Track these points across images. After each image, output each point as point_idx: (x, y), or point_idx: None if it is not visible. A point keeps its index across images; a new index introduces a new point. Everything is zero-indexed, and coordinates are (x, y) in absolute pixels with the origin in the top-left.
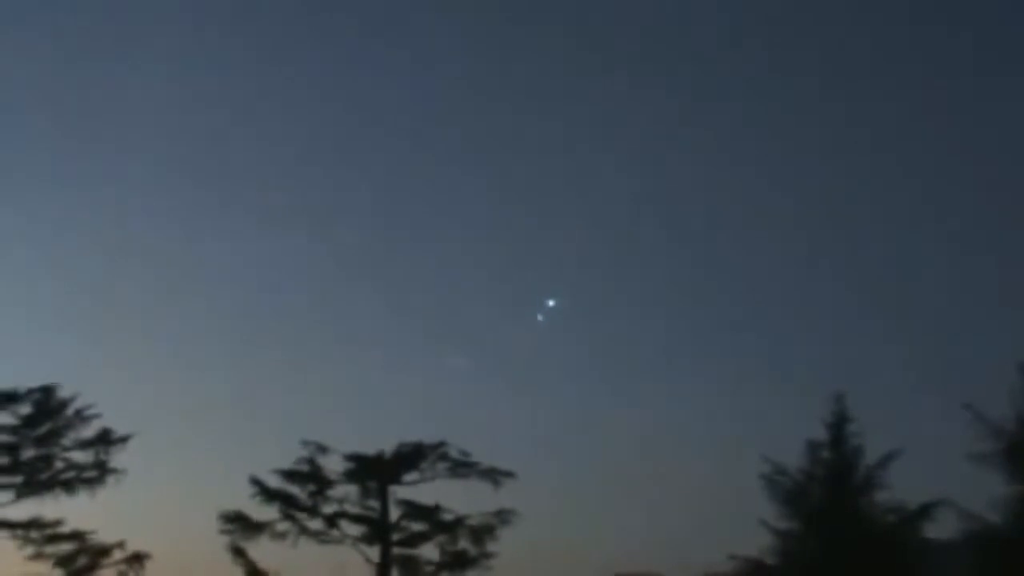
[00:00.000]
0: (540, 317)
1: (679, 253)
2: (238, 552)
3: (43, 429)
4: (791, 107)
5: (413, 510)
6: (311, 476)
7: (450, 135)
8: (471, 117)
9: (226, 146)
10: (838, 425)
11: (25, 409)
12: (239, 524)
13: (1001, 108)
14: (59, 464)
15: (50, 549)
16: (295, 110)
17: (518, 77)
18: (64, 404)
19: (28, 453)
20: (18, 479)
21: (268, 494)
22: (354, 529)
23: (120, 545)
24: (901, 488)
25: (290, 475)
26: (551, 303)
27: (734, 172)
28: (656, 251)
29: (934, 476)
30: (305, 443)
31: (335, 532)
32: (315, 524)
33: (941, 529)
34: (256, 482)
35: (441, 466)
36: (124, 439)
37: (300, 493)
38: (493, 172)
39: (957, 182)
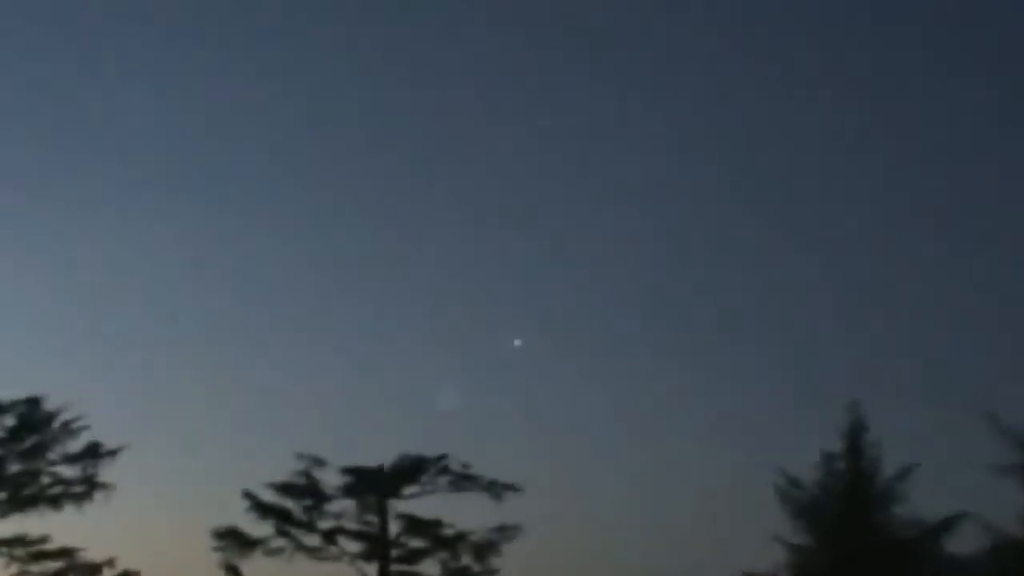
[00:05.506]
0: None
1: (691, 260)
2: (231, 570)
3: (29, 442)
4: (799, 109)
5: (413, 525)
6: (307, 490)
7: (450, 136)
8: (471, 120)
9: (222, 150)
10: (854, 435)
11: (10, 421)
12: (232, 540)
13: (1000, 109)
14: (46, 479)
15: (36, 567)
16: (291, 112)
17: (515, 83)
18: (51, 416)
19: (13, 467)
20: (3, 494)
21: (262, 509)
22: (352, 545)
23: (110, 563)
24: (921, 501)
25: (285, 489)
26: (517, 342)
27: (742, 177)
28: (667, 257)
29: (956, 489)
30: (300, 456)
31: (332, 548)
32: (311, 540)
33: (964, 543)
34: (250, 496)
35: (442, 480)
36: (113, 452)
37: (296, 508)
38: (494, 173)
39: (975, 184)
